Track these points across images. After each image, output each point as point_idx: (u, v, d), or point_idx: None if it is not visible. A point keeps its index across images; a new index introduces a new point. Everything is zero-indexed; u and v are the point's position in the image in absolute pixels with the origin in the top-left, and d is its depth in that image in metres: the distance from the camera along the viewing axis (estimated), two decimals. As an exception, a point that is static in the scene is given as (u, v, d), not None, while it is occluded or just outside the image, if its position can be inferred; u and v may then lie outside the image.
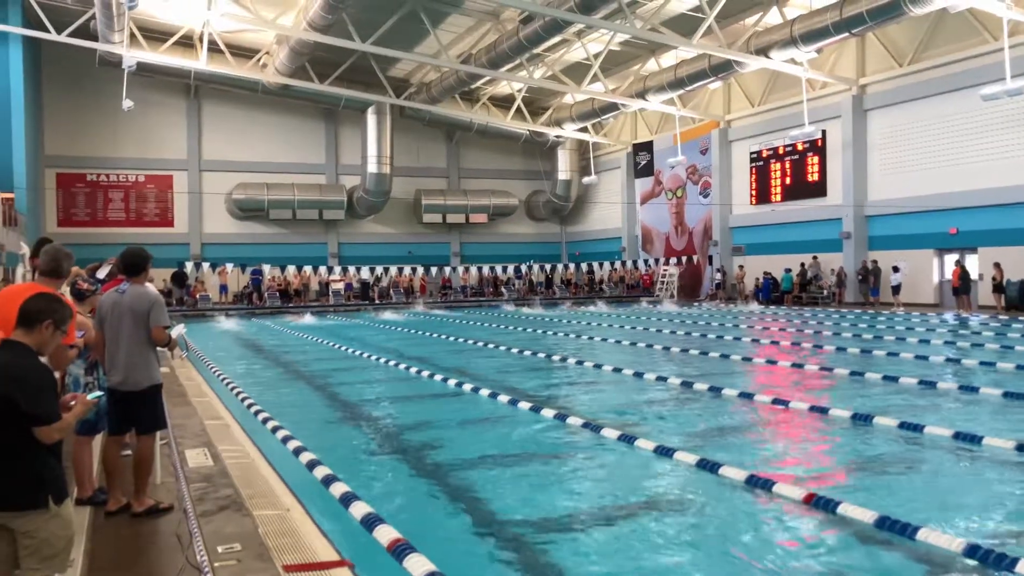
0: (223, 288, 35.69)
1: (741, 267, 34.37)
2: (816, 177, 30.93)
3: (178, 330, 6.15)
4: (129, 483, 5.75)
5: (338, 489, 6.10)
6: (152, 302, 5.77)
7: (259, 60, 34.03)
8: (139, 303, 5.73)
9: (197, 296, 33.97)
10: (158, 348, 5.90)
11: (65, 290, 6.12)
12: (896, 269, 27.02)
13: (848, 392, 11.06)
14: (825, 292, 30.14)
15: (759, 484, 6.38)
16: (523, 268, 41.08)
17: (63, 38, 28.37)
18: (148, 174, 38.28)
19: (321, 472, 6.62)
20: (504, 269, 40.64)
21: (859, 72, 29.12)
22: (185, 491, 5.96)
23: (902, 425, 8.50)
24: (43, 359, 3.73)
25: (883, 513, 5.49)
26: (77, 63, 34.51)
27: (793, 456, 7.78)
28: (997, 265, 24.35)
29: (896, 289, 26.87)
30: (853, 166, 29.06)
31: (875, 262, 28.26)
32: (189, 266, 35.43)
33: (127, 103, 28.70)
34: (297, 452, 7.42)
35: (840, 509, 5.69)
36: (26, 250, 13.55)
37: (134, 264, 5.93)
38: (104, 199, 37.64)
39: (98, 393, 4.33)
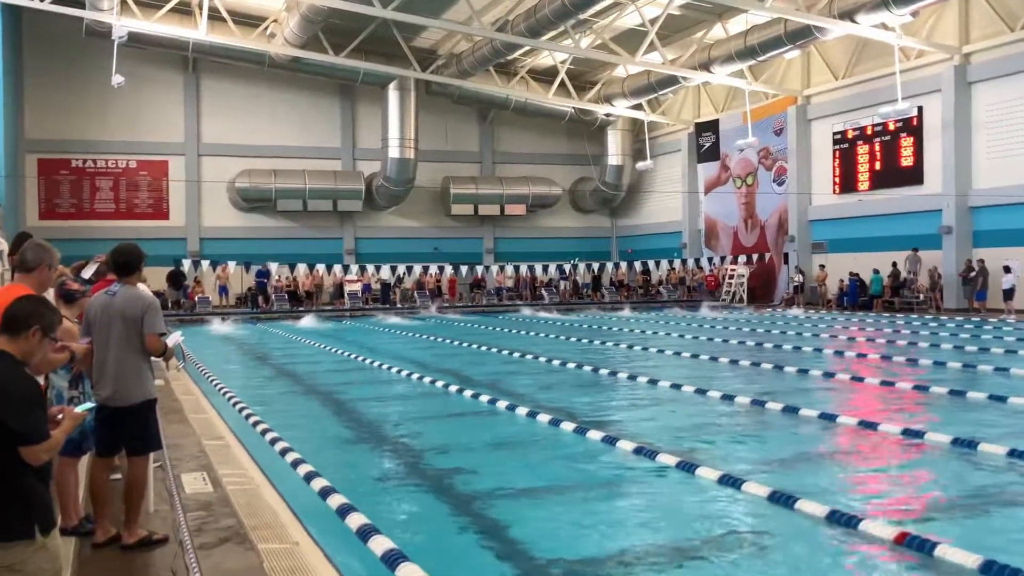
0: (223, 290, 36.11)
1: (822, 267, 34.01)
2: (911, 162, 30.52)
3: (174, 338, 6.24)
4: (119, 511, 5.83)
5: (355, 521, 6.12)
6: (146, 306, 5.84)
7: (266, 29, 34.41)
8: (131, 307, 5.80)
9: (195, 298, 34.42)
10: (152, 358, 5.99)
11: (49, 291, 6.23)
12: (1007, 270, 26.55)
13: (948, 414, 10.90)
14: (921, 296, 29.74)
15: (843, 521, 6.30)
16: (567, 268, 41.02)
17: (46, 5, 28.94)
18: (140, 159, 38.89)
19: (336, 501, 6.66)
20: (545, 269, 40.62)
21: (962, 39, 28.68)
22: (182, 521, 6.04)
23: (1012, 453, 8.34)
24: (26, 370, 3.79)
25: (989, 557, 5.40)
26: (61, 34, 35.18)
27: (882, 488, 7.69)
28: None
29: (1008, 293, 26.41)
30: (955, 149, 28.64)
31: (981, 261, 27.80)
32: (187, 264, 35.87)
33: (117, 79, 29.15)
34: (309, 478, 7.48)
35: (938, 551, 5.60)
36: (4, 246, 13.81)
37: (126, 263, 6.01)
38: (91, 188, 38.32)
39: (89, 404, 4.39)
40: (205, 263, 35.88)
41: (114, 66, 29.55)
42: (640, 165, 41.01)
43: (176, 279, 34.94)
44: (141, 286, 6.16)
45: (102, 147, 38.21)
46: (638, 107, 40.25)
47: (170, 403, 11.17)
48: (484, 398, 12.29)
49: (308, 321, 31.55)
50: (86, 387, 6.17)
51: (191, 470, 7.58)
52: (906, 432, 9.48)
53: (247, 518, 6.16)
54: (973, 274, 27.79)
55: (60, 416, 3.90)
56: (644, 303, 38.50)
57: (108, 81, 29.95)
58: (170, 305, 33.00)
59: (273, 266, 36.29)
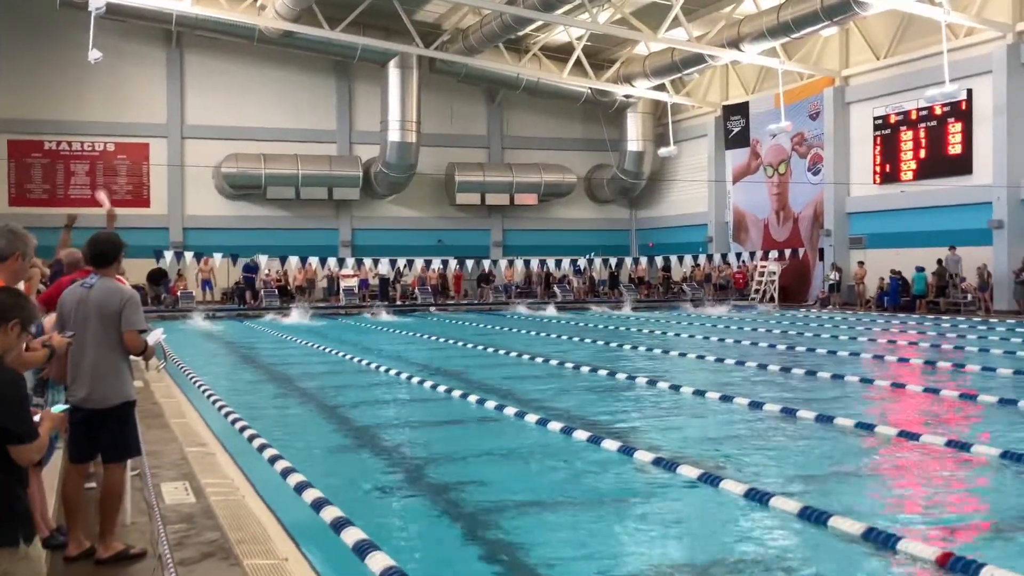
0: (208, 284, 36.15)
1: (861, 263, 33.93)
2: (959, 149, 30.43)
3: (155, 336, 6.26)
4: (94, 522, 5.85)
5: (352, 536, 6.13)
6: (124, 300, 5.86)
7: (256, 1, 34.45)
8: (108, 301, 5.82)
9: (178, 293, 34.53)
10: (131, 357, 6.02)
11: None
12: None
13: (996, 425, 10.89)
14: (968, 296, 29.66)
15: (880, 539, 6.30)
16: (582, 263, 41.01)
17: (18, -26, 29.00)
18: (119, 142, 39.03)
19: (330, 514, 6.68)
20: (558, 263, 40.61)
21: (1016, 15, 28.57)
22: (161, 534, 6.07)
23: (1067, 468, 8.34)
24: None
25: (1040, 580, 5.40)
26: (33, 5, 35.29)
27: (924, 504, 7.67)
28: None
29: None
30: (1007, 136, 28.54)
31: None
32: (168, 255, 35.91)
33: (94, 54, 29.20)
34: (300, 488, 7.50)
35: (984, 573, 5.60)
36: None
37: (103, 253, 6.03)
38: (66, 172, 38.46)
39: (65, 406, 4.42)
40: (189, 255, 35.95)
41: (91, 40, 29.56)
42: (662, 151, 40.96)
43: (157, 278, 34.97)
44: (120, 279, 6.19)
45: (78, 128, 38.35)
46: (660, 88, 40.19)
47: (150, 406, 11.22)
48: (490, 404, 12.30)
49: (299, 318, 31.60)
50: (53, 396, 6.19)
51: (172, 479, 7.61)
52: (951, 444, 9.45)
53: (232, 531, 6.18)
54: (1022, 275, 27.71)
55: (37, 418, 3.93)
56: (666, 302, 38.46)
57: (84, 57, 29.98)
58: (150, 301, 33.10)
59: (262, 259, 36.32)
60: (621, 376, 15.40)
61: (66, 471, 6.05)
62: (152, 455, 8.35)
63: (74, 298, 5.90)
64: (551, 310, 35.35)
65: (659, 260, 41.59)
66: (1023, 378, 14.60)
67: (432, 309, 35.78)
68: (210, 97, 39.92)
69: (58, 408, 4.10)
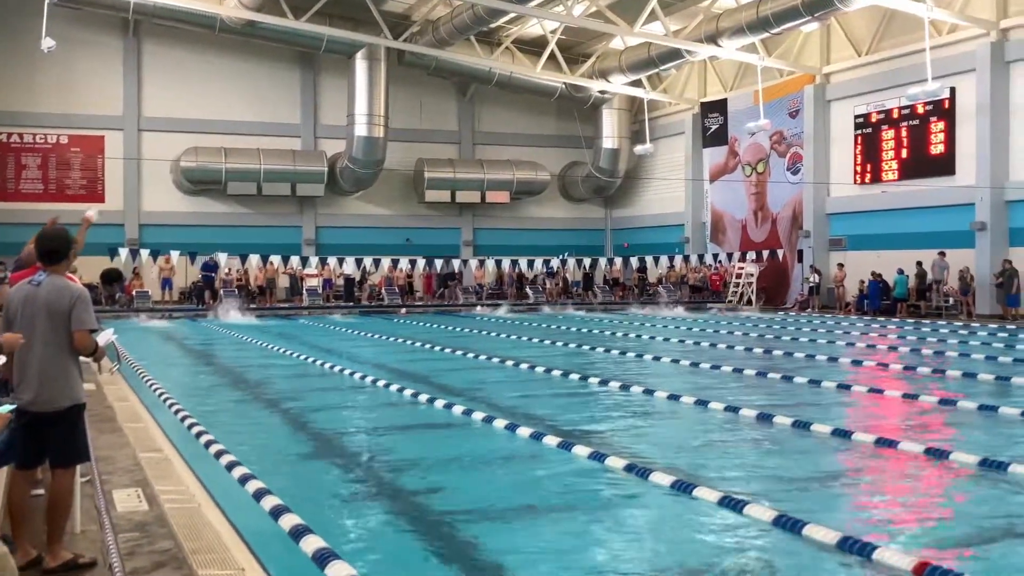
0: (166, 283, 35.91)
1: (840, 266, 34.19)
2: (942, 149, 30.72)
3: (106, 336, 6.23)
4: (41, 530, 5.82)
5: (311, 544, 6.13)
6: (74, 298, 5.83)
7: (217, -11, 34.30)
8: (58, 299, 5.79)
9: (133, 293, 34.27)
10: (81, 358, 5.97)
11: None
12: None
13: (976, 432, 10.97)
14: (951, 300, 29.93)
15: (855, 548, 6.35)
16: (555, 263, 41.05)
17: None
18: (73, 134, 38.70)
19: (289, 522, 6.67)
20: (531, 264, 40.60)
21: (1000, 12, 28.89)
22: (112, 542, 6.01)
23: (1046, 476, 8.44)
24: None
25: (1017, 590, 5.46)
26: (-16, -10, 34.94)
27: (901, 513, 7.75)
28: None
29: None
30: (991, 135, 28.84)
31: (1008, 262, 27.98)
32: (124, 253, 35.52)
33: (47, 43, 29.00)
34: (259, 496, 7.48)
35: (960, 584, 5.66)
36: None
37: (53, 250, 6.00)
38: (16, 166, 38.11)
39: (10, 406, 4.38)
40: (145, 252, 35.63)
41: (44, 28, 29.40)
42: (638, 149, 41.11)
43: (111, 279, 34.32)
44: (73, 277, 6.15)
45: (29, 120, 37.98)
46: (637, 84, 40.33)
47: (102, 410, 11.15)
48: (458, 409, 12.30)
49: (258, 319, 31.45)
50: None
51: (124, 485, 7.56)
52: (929, 451, 9.55)
53: (186, 540, 6.15)
54: (1001, 279, 27.94)
55: None
56: (641, 304, 38.59)
57: (37, 45, 29.81)
58: (104, 301, 32.75)
59: (222, 257, 35.99)
60: (593, 380, 15.43)
61: (11, 477, 5.97)
62: (104, 460, 8.30)
63: (21, 296, 5.86)
64: (509, 311, 35.39)
65: (635, 261, 41.66)
66: (1003, 384, 14.77)
67: (403, 311, 35.71)
68: (169, 88, 39.67)
69: (4, 408, 4.06)
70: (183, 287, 36.80)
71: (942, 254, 30.39)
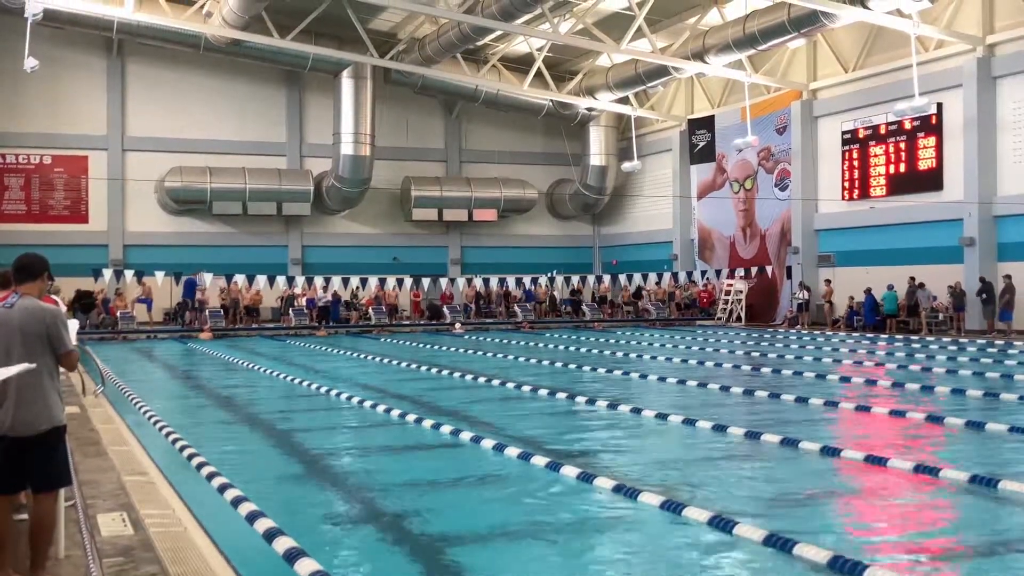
0: (147, 302, 35.47)
1: (829, 282, 34.29)
2: (931, 164, 30.84)
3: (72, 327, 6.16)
4: (24, 556, 5.79)
5: (305, 567, 6.10)
6: (51, 319, 5.81)
7: (202, 7, 34.31)
8: (32, 320, 5.76)
9: (117, 314, 34.11)
10: (61, 378, 5.94)
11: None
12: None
13: (966, 448, 11.02)
14: (940, 316, 30.02)
15: (846, 568, 6.35)
16: (543, 281, 41.05)
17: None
18: (57, 154, 38.59)
19: (283, 544, 6.63)
20: (518, 282, 40.63)
21: (986, 28, 29.09)
22: (95, 568, 5.99)
23: (1037, 492, 8.48)
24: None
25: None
26: (-33, 10, 34.86)
27: (891, 531, 7.76)
28: None
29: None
30: (978, 151, 28.98)
31: (1008, 277, 28.09)
32: (108, 273, 35.36)
33: (31, 63, 28.92)
34: (252, 518, 7.46)
35: (951, 602, 5.68)
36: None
37: (25, 265, 5.96)
38: (-1, 186, 38.02)
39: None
40: (129, 273, 35.56)
41: (27, 48, 29.27)
42: (626, 166, 41.20)
43: (87, 307, 33.81)
44: (54, 298, 6.13)
45: (12, 140, 37.88)
46: (624, 101, 40.45)
47: (86, 433, 11.09)
48: (446, 429, 12.29)
49: (248, 341, 31.37)
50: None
51: (108, 509, 7.51)
52: (918, 468, 9.56)
53: (172, 565, 6.13)
54: (984, 294, 28.01)
55: None
56: (630, 322, 38.57)
57: (20, 65, 29.72)
58: (81, 325, 32.30)
59: (207, 276, 35.83)
60: (581, 399, 15.44)
61: (-7, 502, 5.96)
62: (88, 484, 8.25)
63: (-7, 318, 5.82)
64: (528, 331, 35.40)
65: (622, 278, 41.53)
66: (992, 400, 14.82)
67: (390, 331, 35.70)
68: (153, 108, 39.64)
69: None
70: (167, 308, 36.63)
71: (912, 279, 30.43)
